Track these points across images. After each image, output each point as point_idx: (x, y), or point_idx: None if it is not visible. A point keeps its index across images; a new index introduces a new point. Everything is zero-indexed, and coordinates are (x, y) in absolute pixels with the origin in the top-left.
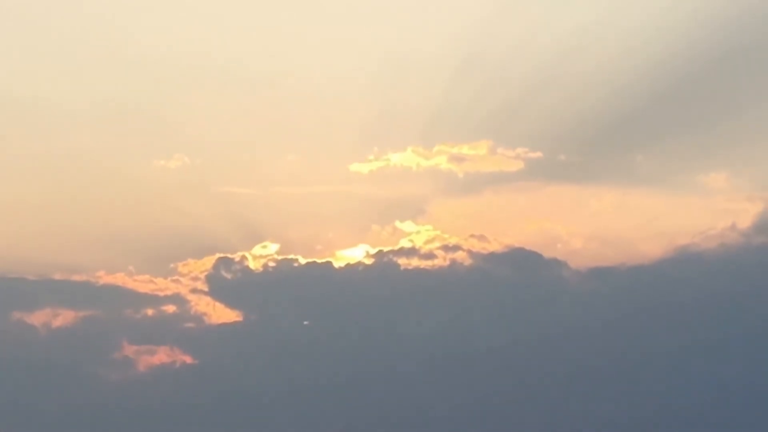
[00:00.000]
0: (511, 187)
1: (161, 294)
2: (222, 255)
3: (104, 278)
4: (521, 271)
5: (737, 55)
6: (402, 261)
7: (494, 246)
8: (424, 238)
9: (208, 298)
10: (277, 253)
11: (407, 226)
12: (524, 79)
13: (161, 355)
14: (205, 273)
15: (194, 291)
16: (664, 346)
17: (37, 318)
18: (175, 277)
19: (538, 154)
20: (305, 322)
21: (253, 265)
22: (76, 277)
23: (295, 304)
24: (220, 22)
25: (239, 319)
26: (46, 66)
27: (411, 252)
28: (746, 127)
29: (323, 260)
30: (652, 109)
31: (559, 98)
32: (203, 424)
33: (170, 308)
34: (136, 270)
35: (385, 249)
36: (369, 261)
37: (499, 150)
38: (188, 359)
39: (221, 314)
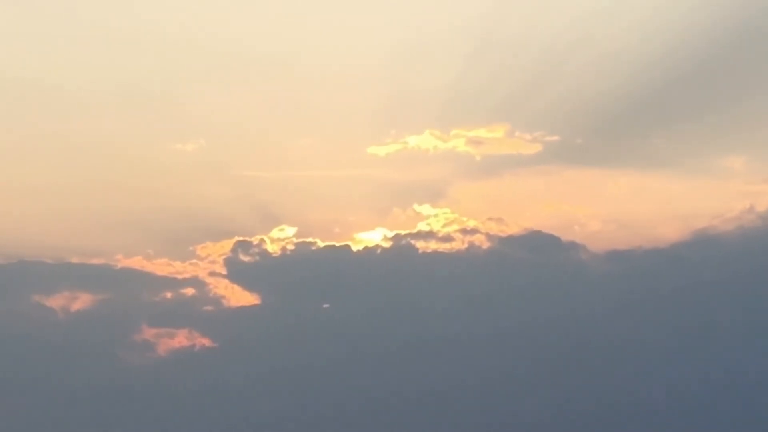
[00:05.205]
0: (528, 170)
1: (179, 277)
2: (240, 238)
3: (122, 261)
4: (539, 253)
5: (756, 37)
6: (420, 244)
7: (512, 229)
8: (441, 221)
9: (226, 282)
10: (295, 236)
11: (425, 209)
12: (541, 63)
13: (180, 338)
14: (224, 256)
15: (212, 274)
16: (682, 328)
17: (56, 301)
18: (194, 261)
19: (556, 138)
20: (324, 305)
21: (271, 248)
22: (95, 261)
23: (313, 288)
24: (237, 5)
25: (257, 302)
26: (66, 51)
27: (429, 235)
28: (764, 110)
29: (341, 243)
30: (669, 93)
31: (577, 82)
32: (222, 407)
33: (189, 291)
34: (155, 253)
35: (403, 232)
36: (387, 244)
37: (517, 133)
38: (207, 342)
39: (240, 297)
